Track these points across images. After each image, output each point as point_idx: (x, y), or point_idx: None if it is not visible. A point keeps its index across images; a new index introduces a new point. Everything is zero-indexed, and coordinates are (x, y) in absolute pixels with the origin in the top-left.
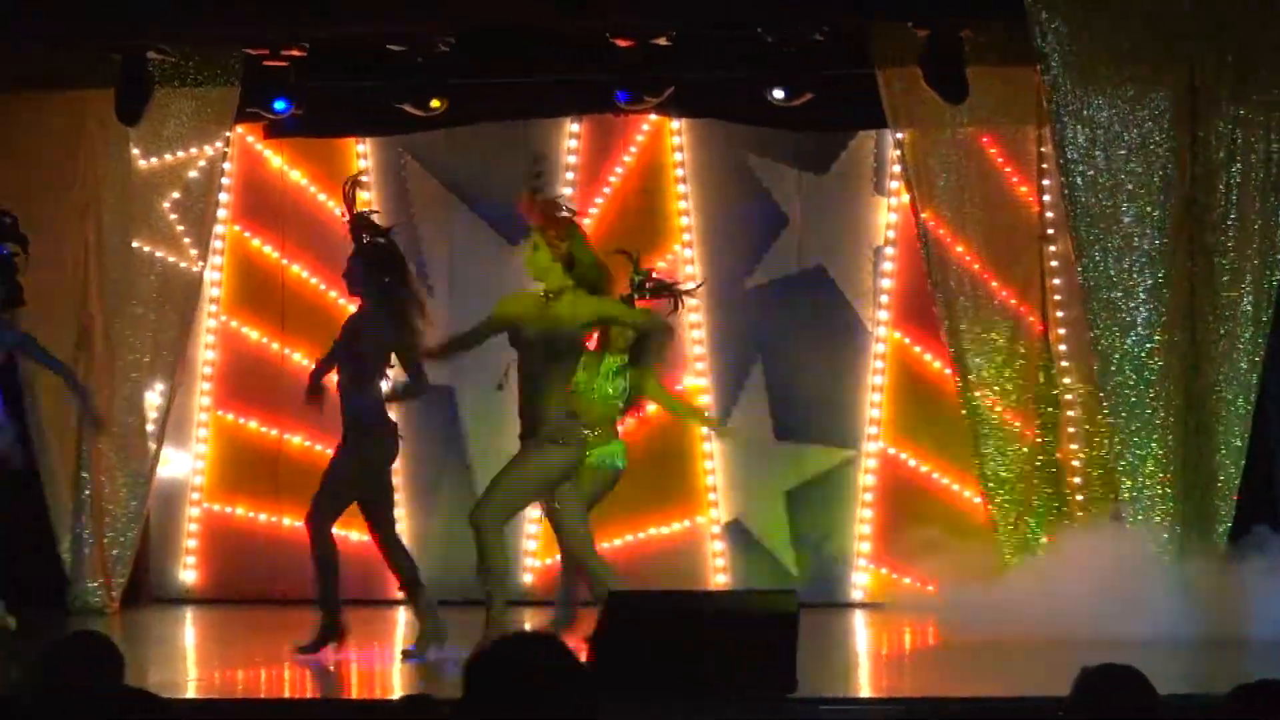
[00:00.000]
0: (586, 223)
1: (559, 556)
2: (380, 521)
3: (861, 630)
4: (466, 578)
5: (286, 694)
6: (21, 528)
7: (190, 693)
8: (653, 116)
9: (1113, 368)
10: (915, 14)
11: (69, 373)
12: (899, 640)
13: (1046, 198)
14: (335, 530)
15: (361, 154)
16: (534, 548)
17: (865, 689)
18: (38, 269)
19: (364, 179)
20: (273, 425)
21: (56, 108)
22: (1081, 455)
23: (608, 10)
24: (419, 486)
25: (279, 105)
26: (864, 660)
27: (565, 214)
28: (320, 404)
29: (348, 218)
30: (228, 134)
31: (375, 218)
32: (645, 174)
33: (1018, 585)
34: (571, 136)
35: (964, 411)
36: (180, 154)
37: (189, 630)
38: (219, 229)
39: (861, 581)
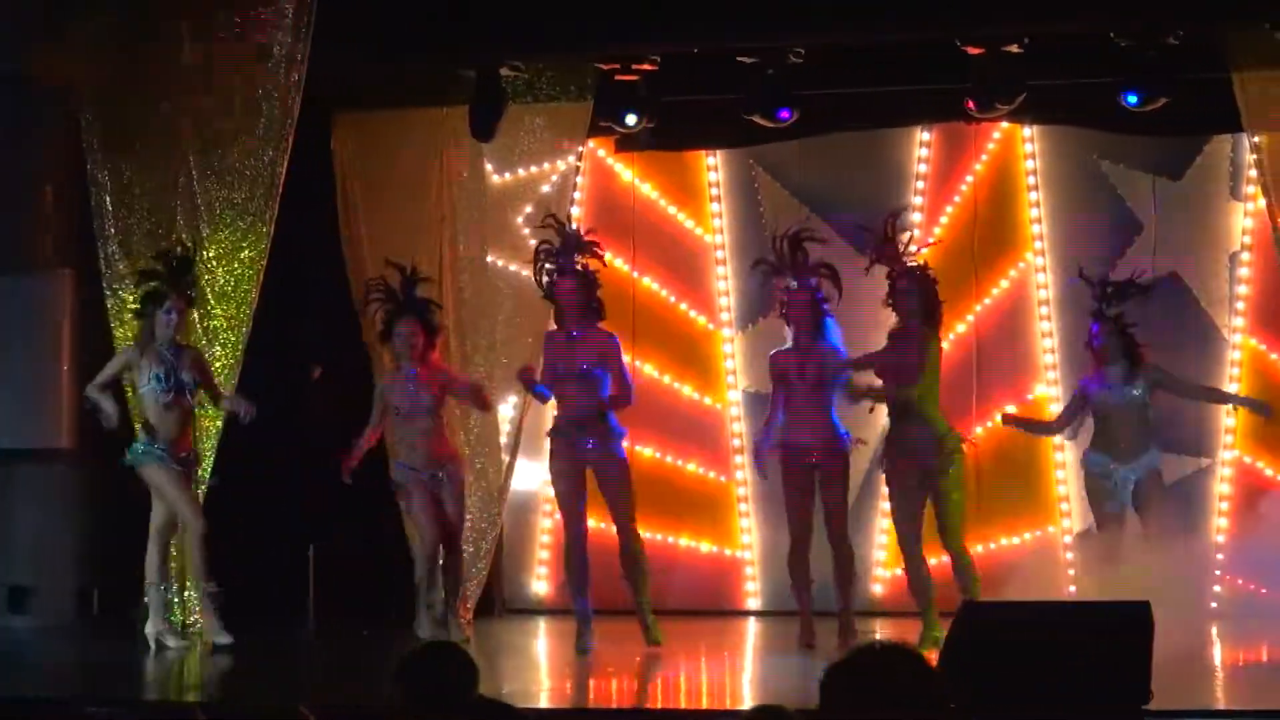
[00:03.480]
0: (937, 231)
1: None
2: None
3: (1217, 641)
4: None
5: (637, 704)
6: (379, 541)
7: (543, 702)
8: (1004, 124)
9: None
10: (1272, 15)
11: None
12: (1256, 652)
13: None
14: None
15: (712, 166)
16: (883, 558)
17: (1222, 701)
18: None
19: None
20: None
21: (415, 125)
22: None
23: (959, 19)
24: (773, 495)
25: (630, 119)
26: (1220, 672)
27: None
28: None
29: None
30: (580, 148)
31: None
32: (996, 182)
33: None
34: (922, 145)
35: None
36: (533, 169)
37: (541, 640)
38: None
39: (1216, 592)
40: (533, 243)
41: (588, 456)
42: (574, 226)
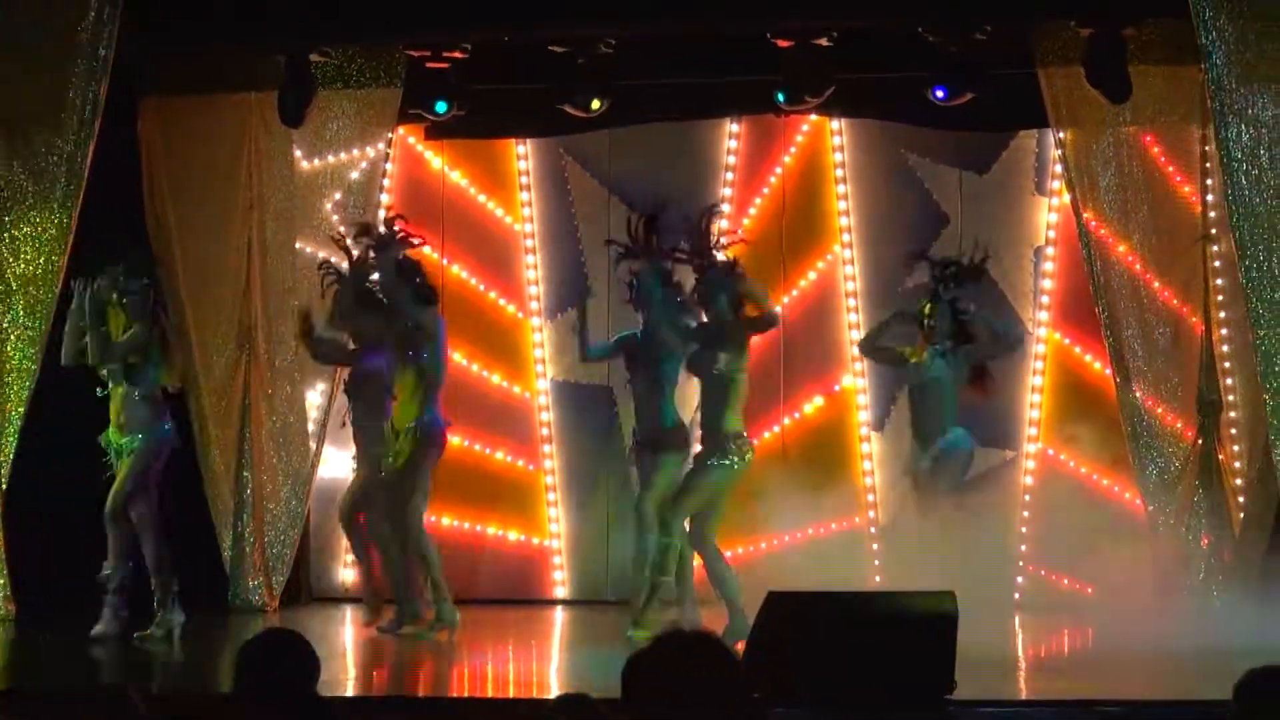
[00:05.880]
0: (745, 222)
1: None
2: None
3: (1020, 632)
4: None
5: (444, 692)
6: (185, 527)
7: (349, 691)
8: (813, 117)
9: (1276, 368)
10: (1078, 13)
11: None
12: (1057, 642)
13: (1209, 197)
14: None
15: (521, 155)
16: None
17: (1024, 691)
18: (202, 268)
19: None
20: None
21: (223, 110)
22: (1242, 457)
23: (769, 12)
24: (580, 485)
25: (440, 106)
26: (1022, 662)
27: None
28: None
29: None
30: (389, 135)
31: None
32: (804, 174)
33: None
34: (731, 137)
35: (1123, 413)
36: (342, 155)
37: (348, 629)
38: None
39: (1019, 583)
40: (342, 229)
41: None
42: (385, 219)
